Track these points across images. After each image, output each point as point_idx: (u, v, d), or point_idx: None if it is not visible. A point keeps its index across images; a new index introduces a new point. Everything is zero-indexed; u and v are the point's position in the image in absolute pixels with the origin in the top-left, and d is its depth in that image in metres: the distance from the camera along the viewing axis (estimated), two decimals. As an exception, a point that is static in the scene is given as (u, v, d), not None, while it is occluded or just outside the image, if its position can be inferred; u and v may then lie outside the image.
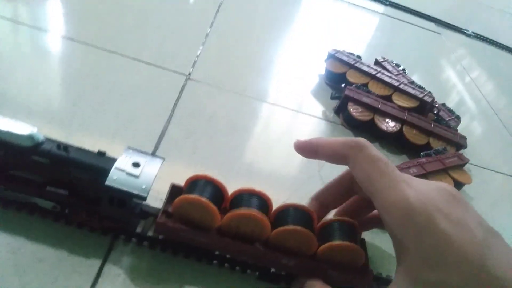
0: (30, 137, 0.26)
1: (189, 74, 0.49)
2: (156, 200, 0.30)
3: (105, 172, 0.26)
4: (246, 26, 0.65)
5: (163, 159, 0.29)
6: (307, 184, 0.40)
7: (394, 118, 0.49)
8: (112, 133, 0.38)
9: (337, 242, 0.27)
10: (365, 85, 0.53)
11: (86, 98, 0.41)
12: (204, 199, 0.26)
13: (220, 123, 0.44)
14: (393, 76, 0.55)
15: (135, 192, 0.26)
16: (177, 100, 0.45)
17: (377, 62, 0.61)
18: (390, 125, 0.49)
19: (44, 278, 0.26)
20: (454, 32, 0.95)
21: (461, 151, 0.50)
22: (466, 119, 0.62)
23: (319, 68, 0.59)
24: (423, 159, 0.43)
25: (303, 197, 0.37)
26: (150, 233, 0.30)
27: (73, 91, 0.41)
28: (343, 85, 0.56)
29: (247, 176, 0.39)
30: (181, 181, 0.29)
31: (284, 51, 0.63)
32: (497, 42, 0.96)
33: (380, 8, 0.93)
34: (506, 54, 0.95)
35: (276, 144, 0.44)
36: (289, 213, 0.28)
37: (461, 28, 0.97)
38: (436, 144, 0.48)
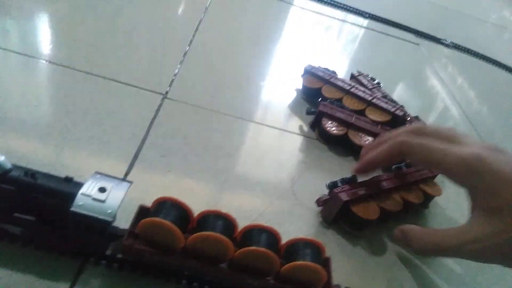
0: (-2, 165, 0.27)
1: (166, 93, 0.50)
2: (127, 221, 0.31)
3: (72, 197, 0.27)
4: (225, 44, 0.67)
5: (131, 182, 0.29)
6: (281, 199, 0.41)
7: (367, 132, 0.51)
8: (85, 156, 0.39)
9: (299, 262, 0.28)
10: (340, 100, 0.55)
11: (60, 122, 0.41)
12: (167, 222, 0.27)
13: (195, 142, 0.45)
14: (367, 91, 0.57)
15: (101, 217, 0.26)
16: (153, 119, 0.46)
17: (352, 77, 0.62)
18: (363, 139, 0.50)
19: (12, 303, 0.26)
20: (432, 42, 0.98)
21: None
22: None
23: (297, 83, 0.60)
24: (393, 174, 0.44)
25: (276, 212, 0.38)
26: (119, 255, 0.30)
27: (47, 114, 0.42)
28: (319, 100, 0.58)
29: (221, 193, 0.40)
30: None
31: (262, 67, 0.65)
32: (475, 52, 0.99)
33: (361, 21, 0.95)
34: (484, 64, 0.98)
35: (252, 160, 0.45)
36: (253, 234, 0.29)
37: (440, 39, 0.99)
38: (408, 157, 0.50)
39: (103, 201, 0.27)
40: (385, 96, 0.58)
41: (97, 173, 0.29)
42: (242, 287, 0.30)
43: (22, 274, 0.28)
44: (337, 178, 0.41)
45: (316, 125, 0.53)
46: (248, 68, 0.62)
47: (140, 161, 0.40)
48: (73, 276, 0.29)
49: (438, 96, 0.75)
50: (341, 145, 0.51)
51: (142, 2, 0.69)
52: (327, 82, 0.57)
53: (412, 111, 0.58)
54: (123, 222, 0.30)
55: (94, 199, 0.27)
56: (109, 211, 0.27)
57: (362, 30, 0.92)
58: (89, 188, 0.27)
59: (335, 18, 0.92)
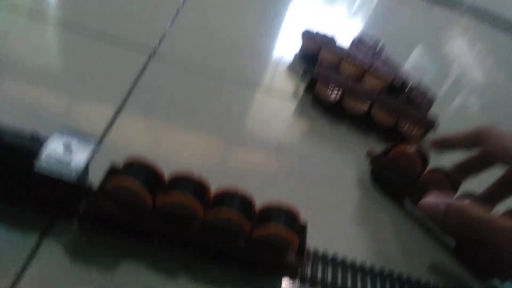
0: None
1: (154, 51, 0.48)
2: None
3: (35, 156, 0.26)
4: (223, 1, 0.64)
5: (97, 140, 0.28)
6: (264, 164, 0.40)
7: (363, 98, 0.49)
8: (64, 113, 0.38)
9: (270, 226, 0.27)
10: (337, 64, 0.52)
11: (42, 77, 0.40)
12: (135, 182, 0.26)
13: (181, 103, 0.43)
14: (367, 56, 0.54)
15: (65, 178, 0.26)
16: (138, 77, 0.44)
17: (354, 41, 0.59)
18: (358, 105, 0.48)
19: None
20: (449, 6, 0.92)
21: (431, 132, 0.49)
22: (449, 98, 0.61)
23: (295, 47, 0.57)
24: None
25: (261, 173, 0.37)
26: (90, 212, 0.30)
27: (31, 69, 0.41)
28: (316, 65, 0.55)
29: (205, 152, 0.39)
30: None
31: (261, 28, 0.62)
32: (493, 17, 0.93)
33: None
34: (501, 32, 0.92)
35: (243, 125, 0.44)
36: (225, 197, 0.28)
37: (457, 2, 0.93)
38: (405, 125, 0.48)
39: (67, 162, 0.26)
40: (387, 62, 0.55)
41: (64, 128, 0.28)
42: (212, 248, 0.29)
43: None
44: (328, 144, 0.39)
45: (310, 89, 0.51)
46: (245, 29, 0.59)
47: (121, 118, 0.39)
48: (42, 231, 0.29)
49: (453, 63, 0.72)
50: (335, 111, 0.49)
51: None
52: (325, 46, 0.54)
53: (425, 78, 0.56)
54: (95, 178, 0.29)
55: (58, 160, 0.26)
56: (74, 171, 0.26)
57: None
58: (54, 147, 0.27)
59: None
